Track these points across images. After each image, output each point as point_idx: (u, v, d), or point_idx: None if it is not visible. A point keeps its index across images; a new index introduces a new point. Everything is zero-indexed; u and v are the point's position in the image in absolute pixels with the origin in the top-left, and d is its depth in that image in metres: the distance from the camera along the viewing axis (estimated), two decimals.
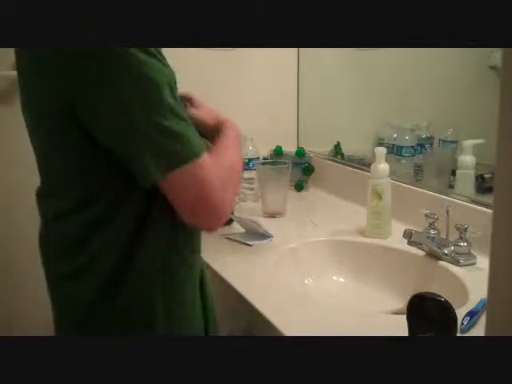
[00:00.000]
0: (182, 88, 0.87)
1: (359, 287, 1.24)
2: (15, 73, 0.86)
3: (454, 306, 0.98)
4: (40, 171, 0.88)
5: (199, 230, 0.91)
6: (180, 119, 0.77)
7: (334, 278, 1.27)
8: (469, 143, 1.30)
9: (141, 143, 0.76)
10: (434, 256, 1.17)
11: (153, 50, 0.75)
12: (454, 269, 1.12)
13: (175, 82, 0.80)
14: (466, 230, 1.15)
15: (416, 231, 1.17)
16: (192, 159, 0.77)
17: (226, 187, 0.83)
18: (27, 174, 1.05)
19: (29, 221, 1.08)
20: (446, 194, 1.32)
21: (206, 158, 0.79)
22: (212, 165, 0.80)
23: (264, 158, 1.77)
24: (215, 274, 1.16)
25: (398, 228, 1.28)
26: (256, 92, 1.92)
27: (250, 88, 1.91)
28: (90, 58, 0.73)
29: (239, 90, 1.90)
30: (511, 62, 0.39)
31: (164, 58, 0.79)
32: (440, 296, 0.75)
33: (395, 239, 1.28)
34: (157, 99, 0.75)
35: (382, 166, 1.31)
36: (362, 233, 1.35)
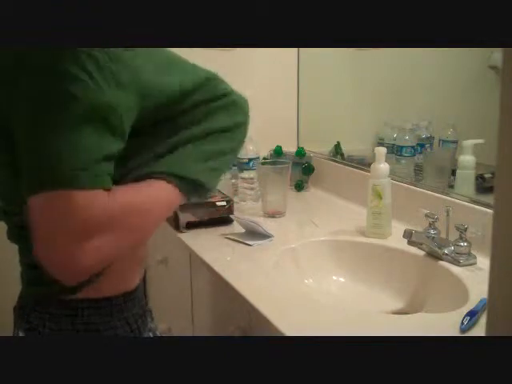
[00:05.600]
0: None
1: (359, 287, 1.24)
2: None
3: (454, 306, 0.99)
4: None
5: None
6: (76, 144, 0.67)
7: (334, 277, 1.28)
8: (469, 143, 1.30)
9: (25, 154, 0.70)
10: (433, 256, 1.17)
11: (91, 68, 0.68)
12: (453, 269, 1.12)
13: (113, 110, 0.70)
14: (465, 230, 1.15)
15: (416, 231, 1.16)
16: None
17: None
18: None
19: None
20: (446, 194, 1.32)
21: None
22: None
23: (264, 158, 1.77)
24: (215, 274, 1.16)
25: (398, 228, 1.28)
26: (256, 92, 1.91)
27: (250, 88, 1.90)
28: (20, 71, 0.69)
29: (239, 90, 1.89)
30: (511, 62, 0.39)
31: (114, 79, 0.70)
32: None
33: (395, 239, 1.28)
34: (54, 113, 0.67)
35: (382, 166, 1.31)
36: (362, 233, 1.35)
